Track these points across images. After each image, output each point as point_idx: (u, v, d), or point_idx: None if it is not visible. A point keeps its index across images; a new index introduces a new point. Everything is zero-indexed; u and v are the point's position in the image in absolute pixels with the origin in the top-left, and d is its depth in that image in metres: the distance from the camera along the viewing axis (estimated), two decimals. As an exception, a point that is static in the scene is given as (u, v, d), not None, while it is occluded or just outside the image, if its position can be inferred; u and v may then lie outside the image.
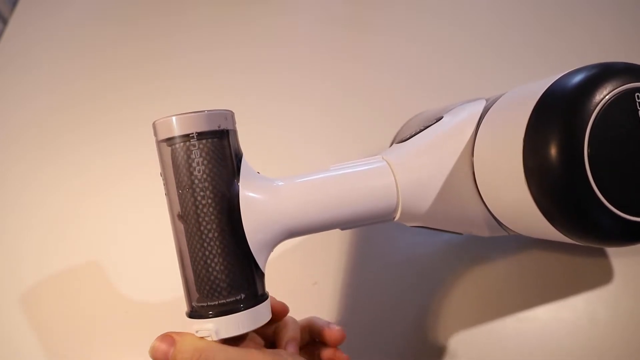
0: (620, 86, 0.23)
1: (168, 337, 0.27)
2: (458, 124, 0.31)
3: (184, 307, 0.29)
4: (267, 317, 0.29)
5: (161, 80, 0.59)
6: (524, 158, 0.25)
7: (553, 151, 0.23)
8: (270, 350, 0.29)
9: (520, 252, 0.45)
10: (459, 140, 0.31)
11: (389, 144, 0.49)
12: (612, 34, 0.57)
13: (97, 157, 0.54)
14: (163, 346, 0.27)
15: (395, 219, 0.31)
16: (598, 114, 0.23)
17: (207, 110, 0.28)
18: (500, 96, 0.31)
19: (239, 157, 0.29)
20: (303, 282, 0.45)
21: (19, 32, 0.66)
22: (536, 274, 0.44)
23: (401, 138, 0.35)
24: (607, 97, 0.23)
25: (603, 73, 0.24)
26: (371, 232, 0.47)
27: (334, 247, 0.47)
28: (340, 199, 0.29)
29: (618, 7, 0.59)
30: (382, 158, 0.32)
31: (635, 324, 0.42)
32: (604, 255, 0.45)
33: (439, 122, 0.33)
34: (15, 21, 0.67)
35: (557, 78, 0.25)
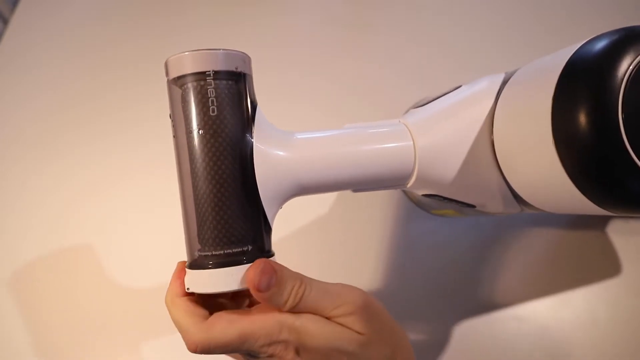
0: None
1: (268, 266, 0.25)
2: (477, 92, 0.31)
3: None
4: None
5: (161, 81, 0.59)
6: (554, 127, 0.23)
7: (587, 118, 0.22)
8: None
9: (520, 251, 0.45)
10: (478, 108, 0.30)
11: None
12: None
13: (98, 157, 0.54)
14: (265, 277, 0.25)
15: (409, 184, 0.31)
16: (630, 76, 0.22)
17: (224, 49, 0.26)
18: (518, 69, 0.30)
19: (254, 105, 0.28)
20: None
21: (20, 32, 0.66)
22: (536, 273, 0.44)
23: (418, 104, 0.34)
24: (638, 58, 0.22)
25: (632, 35, 0.23)
26: (371, 232, 0.47)
27: (334, 247, 0.47)
28: (356, 157, 0.29)
29: (618, 7, 0.59)
30: (400, 121, 0.31)
31: (636, 323, 0.42)
32: (604, 253, 0.45)
33: (457, 89, 0.33)
34: (16, 21, 0.67)
35: (580, 44, 0.25)
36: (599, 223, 0.46)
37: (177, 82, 0.26)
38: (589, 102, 0.22)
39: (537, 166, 0.26)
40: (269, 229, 0.28)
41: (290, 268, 0.27)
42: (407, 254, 0.46)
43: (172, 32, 0.63)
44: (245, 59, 0.27)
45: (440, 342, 0.42)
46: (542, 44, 0.56)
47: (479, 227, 0.46)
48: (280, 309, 0.26)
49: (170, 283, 0.28)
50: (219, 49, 0.26)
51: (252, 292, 0.25)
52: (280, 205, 0.28)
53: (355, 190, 0.31)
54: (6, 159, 0.56)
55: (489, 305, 0.43)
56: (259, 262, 0.26)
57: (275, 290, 0.25)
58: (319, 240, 0.48)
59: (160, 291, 0.46)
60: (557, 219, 0.46)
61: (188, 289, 0.27)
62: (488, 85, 0.31)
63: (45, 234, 0.50)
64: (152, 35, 0.63)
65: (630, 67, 0.22)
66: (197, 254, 0.26)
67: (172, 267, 0.30)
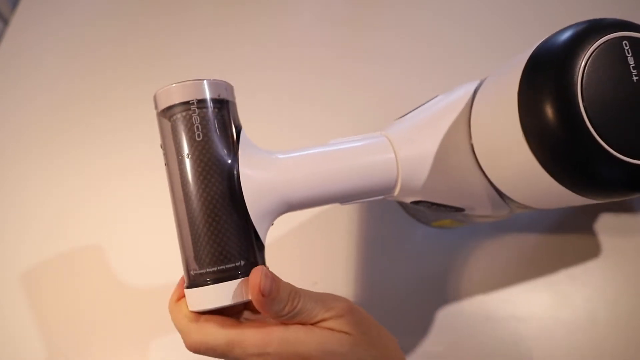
0: (606, 35, 0.24)
1: (269, 272, 0.26)
2: (454, 99, 0.32)
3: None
4: None
5: (161, 80, 0.59)
6: (521, 118, 0.24)
7: (549, 107, 0.23)
8: None
9: (518, 251, 0.45)
10: (455, 113, 0.31)
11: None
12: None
13: (98, 157, 0.54)
14: (267, 281, 0.26)
15: (395, 194, 0.32)
16: (587, 63, 0.23)
17: (206, 79, 0.28)
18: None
19: (238, 129, 0.29)
20: (303, 282, 0.45)
21: (20, 32, 0.66)
22: (536, 274, 0.44)
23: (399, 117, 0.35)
24: (595, 46, 0.23)
25: (590, 27, 0.24)
26: (370, 231, 0.47)
27: (333, 247, 0.47)
28: (340, 173, 0.30)
29: (617, 7, 0.59)
30: (381, 134, 0.32)
31: (635, 323, 0.42)
32: (603, 254, 0.45)
33: (434, 99, 0.34)
34: (16, 21, 0.67)
35: (545, 38, 0.26)
36: (598, 223, 0.46)
37: (166, 113, 0.28)
38: (551, 92, 0.23)
39: (513, 161, 0.27)
40: (261, 246, 0.29)
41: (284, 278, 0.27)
42: (402, 258, 0.46)
43: (172, 32, 0.63)
44: (228, 87, 0.29)
45: (439, 342, 0.42)
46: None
47: (475, 234, 0.46)
48: (276, 317, 0.26)
49: (173, 292, 0.29)
50: (202, 79, 0.28)
51: (255, 297, 0.25)
52: (270, 222, 0.29)
53: (343, 203, 0.32)
54: (6, 159, 0.56)
55: (489, 307, 0.43)
56: (260, 268, 0.26)
57: (275, 296, 0.26)
58: (315, 253, 0.48)
59: (160, 290, 0.47)
60: (554, 220, 0.47)
61: (191, 308, 0.27)
62: (463, 92, 0.32)
63: (45, 234, 0.50)
64: (152, 35, 0.63)
65: (588, 55, 0.23)
66: (193, 273, 0.28)
67: (172, 266, 0.30)
